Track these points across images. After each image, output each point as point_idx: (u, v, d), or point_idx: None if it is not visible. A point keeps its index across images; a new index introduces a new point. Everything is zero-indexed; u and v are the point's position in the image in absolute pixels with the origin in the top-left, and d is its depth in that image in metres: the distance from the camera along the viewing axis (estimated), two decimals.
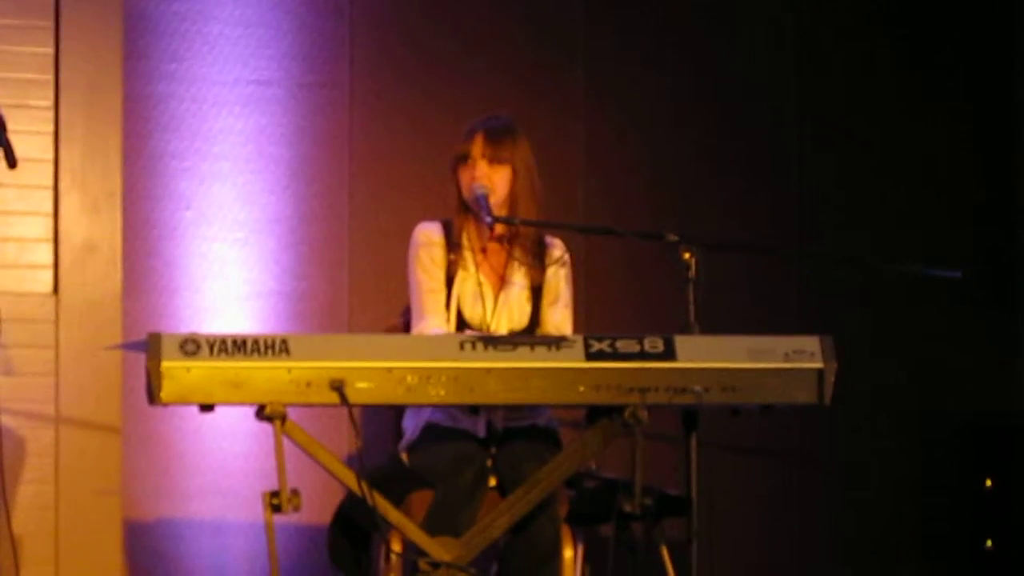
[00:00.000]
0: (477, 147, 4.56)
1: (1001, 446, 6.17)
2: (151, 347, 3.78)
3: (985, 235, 6.39)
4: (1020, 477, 6.08)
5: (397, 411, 4.69)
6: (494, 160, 4.55)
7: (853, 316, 6.13)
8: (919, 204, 6.32)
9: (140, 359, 3.82)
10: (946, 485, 6.24)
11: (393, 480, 4.38)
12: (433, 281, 4.57)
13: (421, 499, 4.36)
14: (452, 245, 4.60)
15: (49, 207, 5.31)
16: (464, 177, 4.57)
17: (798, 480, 6.15)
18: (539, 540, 4.30)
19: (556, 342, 3.95)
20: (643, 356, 3.94)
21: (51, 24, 5.32)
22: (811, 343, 4.02)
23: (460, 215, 4.61)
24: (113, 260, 5.33)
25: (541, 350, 3.93)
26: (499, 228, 4.54)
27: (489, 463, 4.44)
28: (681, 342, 3.98)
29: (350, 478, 3.98)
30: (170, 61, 5.58)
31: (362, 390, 3.85)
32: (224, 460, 5.51)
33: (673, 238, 4.14)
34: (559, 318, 4.63)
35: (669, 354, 3.95)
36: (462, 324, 4.56)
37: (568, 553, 4.44)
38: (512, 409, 4.48)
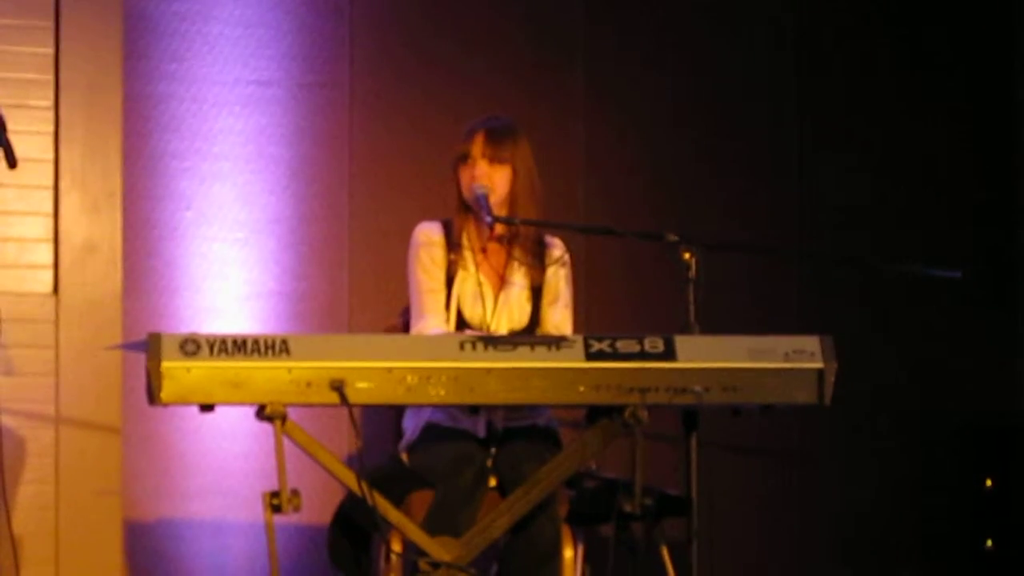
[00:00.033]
0: (477, 147, 4.55)
1: (1001, 446, 6.17)
2: (151, 347, 3.78)
3: (985, 235, 6.39)
4: (1020, 477, 6.08)
5: (397, 411, 4.69)
6: (494, 160, 4.55)
7: (853, 316, 6.13)
8: (919, 204, 6.32)
9: (140, 359, 3.82)
10: (946, 485, 6.23)
11: (393, 480, 4.38)
12: (433, 281, 4.57)
13: (421, 499, 4.35)
14: (452, 245, 4.60)
15: (49, 207, 5.30)
16: (464, 177, 4.57)
17: (798, 480, 6.15)
18: (539, 540, 4.30)
19: (556, 342, 3.95)
20: (643, 356, 3.94)
21: (51, 24, 5.31)
22: (811, 343, 4.02)
23: (460, 215, 4.61)
24: (113, 260, 5.33)
25: (541, 350, 3.93)
26: (499, 228, 4.54)
27: (489, 463, 4.44)
28: (681, 342, 3.97)
29: (350, 478, 3.97)
30: (170, 61, 5.58)
31: (362, 390, 3.85)
32: (224, 460, 5.51)
33: (673, 238, 4.14)
34: (559, 318, 4.62)
35: (669, 354, 3.95)
36: (462, 324, 4.56)
37: (568, 553, 4.43)
38: (512, 409, 4.48)
